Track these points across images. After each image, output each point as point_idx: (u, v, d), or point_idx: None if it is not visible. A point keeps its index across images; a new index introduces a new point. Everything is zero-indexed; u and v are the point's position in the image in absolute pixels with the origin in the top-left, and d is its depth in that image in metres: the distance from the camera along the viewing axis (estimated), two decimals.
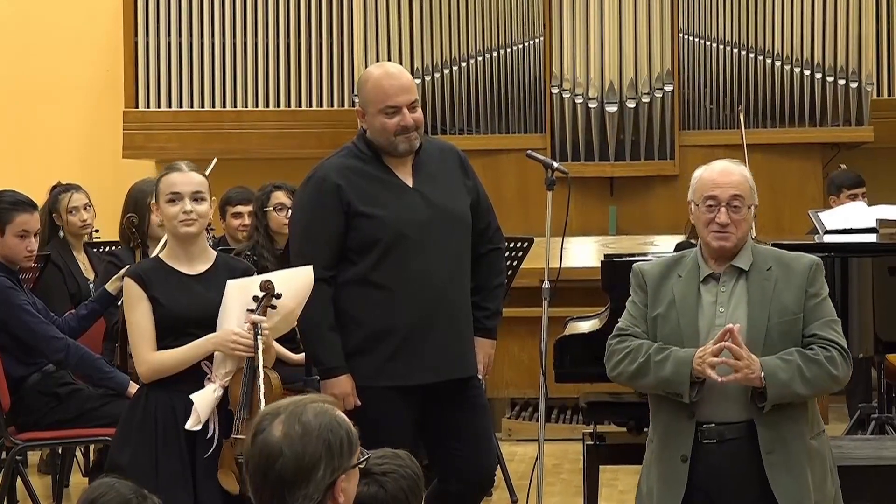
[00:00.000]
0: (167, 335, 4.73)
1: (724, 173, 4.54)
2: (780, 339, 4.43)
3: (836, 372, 4.42)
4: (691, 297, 4.51)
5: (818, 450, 4.48)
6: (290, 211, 6.76)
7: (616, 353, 4.59)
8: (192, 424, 4.66)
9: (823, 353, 4.41)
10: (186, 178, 4.80)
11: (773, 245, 4.92)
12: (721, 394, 4.42)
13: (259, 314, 4.71)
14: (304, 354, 6.22)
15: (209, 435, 4.70)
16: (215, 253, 4.94)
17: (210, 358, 4.74)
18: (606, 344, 4.65)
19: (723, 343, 4.34)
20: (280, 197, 6.95)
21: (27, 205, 6.22)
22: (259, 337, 4.68)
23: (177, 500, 4.56)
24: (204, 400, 4.68)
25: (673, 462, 4.46)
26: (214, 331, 4.74)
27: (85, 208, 7.44)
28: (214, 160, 7.84)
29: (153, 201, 4.88)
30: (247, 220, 7.55)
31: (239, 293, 4.76)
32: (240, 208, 7.62)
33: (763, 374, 4.33)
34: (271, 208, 6.93)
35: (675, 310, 4.52)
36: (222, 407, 4.73)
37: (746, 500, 4.43)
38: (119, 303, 6.04)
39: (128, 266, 6.01)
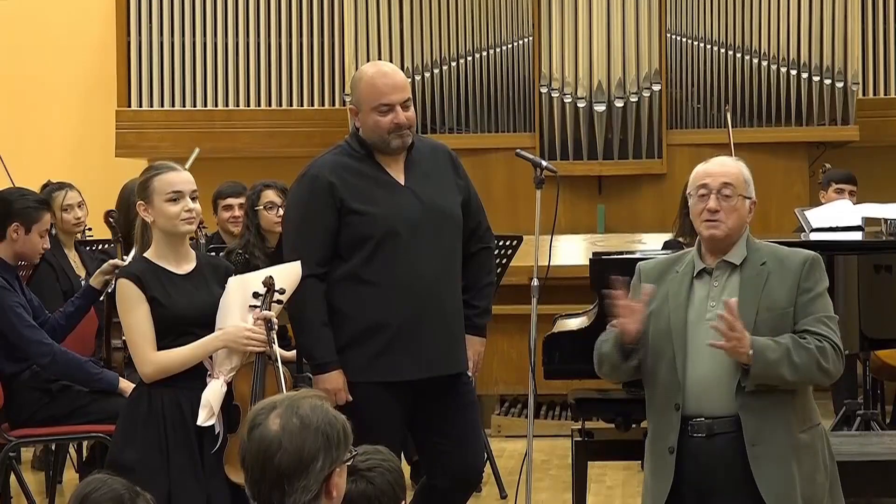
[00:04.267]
0: (167, 335, 4.75)
1: (718, 164, 4.59)
2: (768, 334, 4.43)
3: (827, 364, 4.41)
4: (683, 292, 4.54)
5: (808, 443, 4.48)
6: (280, 209, 6.81)
7: (595, 353, 4.70)
8: (204, 419, 4.69)
9: (816, 344, 4.41)
10: (184, 178, 4.83)
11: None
12: (709, 388, 4.45)
13: (265, 309, 4.77)
14: (294, 351, 6.29)
15: (217, 431, 4.74)
16: (194, 252, 4.96)
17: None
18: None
19: (719, 312, 4.36)
20: (270, 195, 6.97)
21: (48, 203, 6.36)
22: (272, 331, 4.73)
23: (189, 495, 4.62)
24: (214, 395, 4.71)
25: (661, 454, 4.49)
26: (213, 329, 4.76)
27: (79, 206, 7.48)
28: (196, 150, 7.88)
29: (140, 202, 4.83)
30: (237, 212, 7.60)
31: (239, 290, 4.80)
32: (230, 201, 7.67)
33: (752, 350, 4.33)
34: (262, 207, 6.95)
35: (666, 305, 4.54)
36: (226, 402, 4.77)
37: (735, 493, 4.43)
38: (102, 297, 6.09)
39: (110, 261, 6.05)
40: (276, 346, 4.77)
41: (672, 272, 4.61)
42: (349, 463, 3.16)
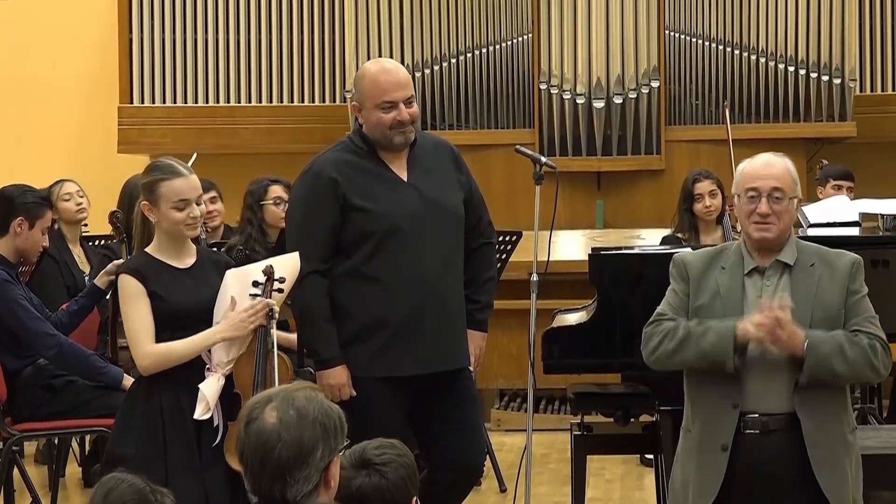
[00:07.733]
0: (165, 329, 4.77)
1: (766, 165, 4.56)
2: None
3: (876, 362, 4.44)
4: (736, 289, 4.52)
5: (854, 445, 4.52)
6: (287, 205, 6.84)
7: (654, 335, 4.56)
8: (201, 413, 4.71)
9: (867, 342, 4.44)
10: (191, 184, 4.84)
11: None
12: (765, 385, 4.45)
13: (266, 297, 4.79)
14: (295, 335, 6.29)
15: (215, 423, 4.77)
16: (195, 247, 4.98)
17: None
18: (643, 332, 4.60)
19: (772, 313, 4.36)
20: (278, 191, 6.95)
21: (49, 201, 6.42)
22: (272, 320, 4.77)
23: (185, 488, 4.60)
24: (211, 389, 4.74)
25: (713, 451, 4.46)
26: (211, 323, 4.79)
27: (78, 194, 7.54)
28: (195, 155, 7.92)
29: (145, 202, 4.85)
30: (209, 206, 7.62)
31: (238, 280, 4.82)
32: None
33: (806, 343, 4.36)
34: (270, 202, 6.94)
35: (719, 301, 4.52)
36: (226, 390, 4.80)
37: (786, 491, 4.44)
38: (107, 296, 6.12)
39: (115, 262, 6.08)
40: (274, 335, 4.79)
41: (716, 267, 4.58)
42: (342, 454, 3.20)
